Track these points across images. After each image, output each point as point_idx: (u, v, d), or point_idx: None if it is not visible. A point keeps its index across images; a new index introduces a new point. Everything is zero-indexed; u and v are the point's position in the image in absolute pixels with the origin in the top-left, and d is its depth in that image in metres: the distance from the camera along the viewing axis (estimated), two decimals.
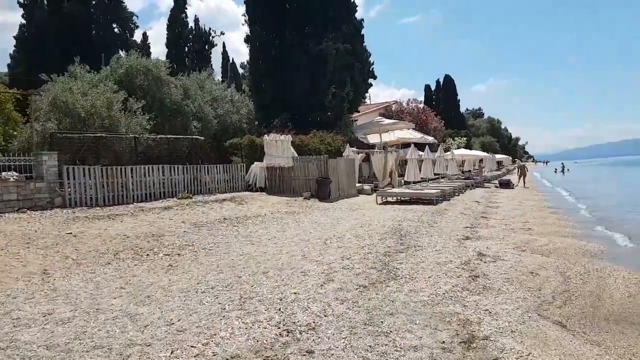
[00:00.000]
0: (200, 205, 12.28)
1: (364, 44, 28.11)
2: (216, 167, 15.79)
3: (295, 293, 4.90)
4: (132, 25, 38.19)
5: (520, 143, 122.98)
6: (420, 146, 25.40)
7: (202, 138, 16.61)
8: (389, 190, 16.37)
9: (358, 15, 27.36)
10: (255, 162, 17.25)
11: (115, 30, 36.08)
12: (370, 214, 12.20)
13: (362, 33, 27.76)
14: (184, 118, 19.68)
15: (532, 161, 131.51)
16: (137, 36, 39.53)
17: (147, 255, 7.10)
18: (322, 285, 5.21)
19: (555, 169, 64.10)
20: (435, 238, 8.48)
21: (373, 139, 25.86)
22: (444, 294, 4.93)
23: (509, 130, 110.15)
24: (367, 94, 56.55)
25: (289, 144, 16.65)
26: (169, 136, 15.30)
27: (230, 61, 50.09)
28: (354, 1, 26.23)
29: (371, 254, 6.92)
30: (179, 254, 7.23)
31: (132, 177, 12.95)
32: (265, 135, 17.02)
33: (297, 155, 17.38)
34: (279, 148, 16.44)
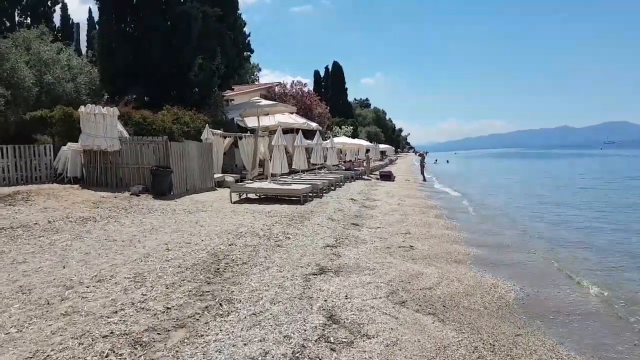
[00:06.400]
0: None
1: (239, 12, 24.19)
2: (0, 148, 10.89)
3: None
4: None
5: (403, 134, 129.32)
6: (304, 133, 22.53)
7: None
8: (246, 186, 13.02)
9: None
10: (69, 144, 12.63)
11: None
12: (209, 220, 8.78)
13: None
14: None
15: (413, 152, 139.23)
16: None
17: None
18: None
19: (435, 160, 68.31)
20: (272, 273, 5.35)
21: (251, 122, 22.34)
22: None
23: (393, 121, 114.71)
24: (256, 76, 52.24)
25: (115, 120, 12.29)
26: None
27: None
28: None
29: (96, 347, 3.44)
30: None
31: None
32: (82, 107, 12.43)
33: (127, 135, 13.13)
34: (100, 125, 12.00)
